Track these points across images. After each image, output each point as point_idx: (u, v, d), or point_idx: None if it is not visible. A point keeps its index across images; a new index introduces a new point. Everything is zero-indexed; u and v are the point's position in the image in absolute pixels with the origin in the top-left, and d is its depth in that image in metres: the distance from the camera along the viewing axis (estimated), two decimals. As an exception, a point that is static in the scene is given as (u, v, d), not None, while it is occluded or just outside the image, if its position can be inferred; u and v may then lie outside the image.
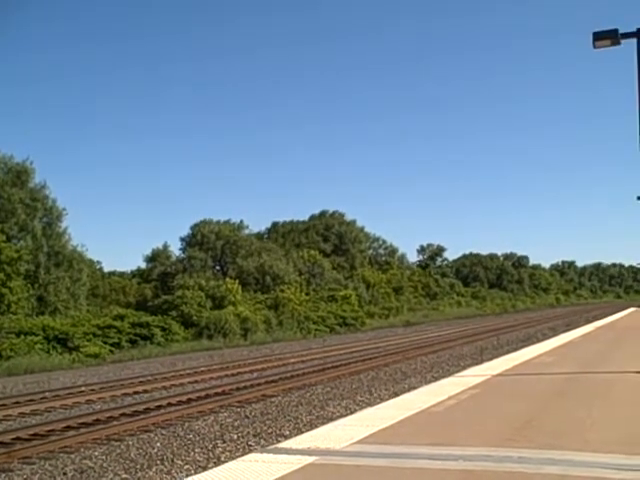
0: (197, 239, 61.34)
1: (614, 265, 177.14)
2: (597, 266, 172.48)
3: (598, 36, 14.37)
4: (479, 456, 6.64)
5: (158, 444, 12.53)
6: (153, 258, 60.77)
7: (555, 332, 37.55)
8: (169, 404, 17.19)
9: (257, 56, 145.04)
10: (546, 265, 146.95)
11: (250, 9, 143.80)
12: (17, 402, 18.49)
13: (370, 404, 14.68)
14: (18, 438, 13.32)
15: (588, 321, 47.40)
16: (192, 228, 62.68)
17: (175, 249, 62.87)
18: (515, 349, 25.42)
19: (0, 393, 21.58)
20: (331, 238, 78.18)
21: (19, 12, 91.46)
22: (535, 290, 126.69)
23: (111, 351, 34.32)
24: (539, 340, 30.60)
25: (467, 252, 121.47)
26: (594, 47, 14.58)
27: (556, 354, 19.52)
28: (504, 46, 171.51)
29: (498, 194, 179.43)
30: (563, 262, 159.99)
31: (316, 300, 57.92)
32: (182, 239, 62.80)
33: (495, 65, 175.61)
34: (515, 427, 8.26)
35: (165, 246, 61.58)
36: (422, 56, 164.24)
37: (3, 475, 10.67)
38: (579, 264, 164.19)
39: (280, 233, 76.66)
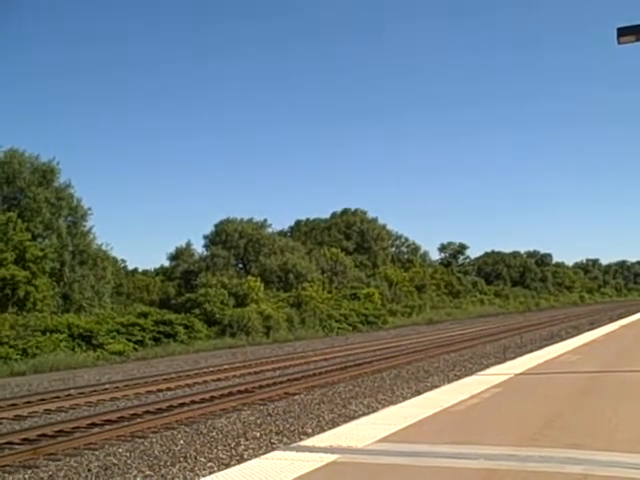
0: (221, 237, 61.56)
1: (639, 263, 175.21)
2: (622, 264, 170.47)
3: (622, 32, 14.18)
4: (502, 455, 6.61)
5: (181, 441, 12.63)
6: (176, 256, 61.08)
7: (579, 330, 37.26)
8: (192, 402, 17.30)
9: (279, 52, 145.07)
10: (570, 263, 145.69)
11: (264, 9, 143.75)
12: (43, 399, 18.70)
13: (392, 402, 14.68)
14: (43, 435, 13.50)
15: (612, 319, 46.95)
16: (216, 226, 62.98)
17: (198, 247, 63.24)
18: (538, 347, 25.25)
19: (26, 390, 21.84)
20: (353, 236, 78.13)
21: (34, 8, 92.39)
22: (559, 288, 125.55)
23: (135, 349, 34.54)
24: (563, 338, 30.38)
25: (489, 250, 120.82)
26: (618, 43, 14.37)
27: (580, 352, 19.36)
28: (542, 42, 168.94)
29: (521, 192, 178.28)
30: (587, 260, 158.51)
31: (338, 298, 57.93)
32: (205, 237, 63.13)
33: (527, 61, 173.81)
34: (538, 426, 8.21)
35: (188, 244, 61.95)
36: (446, 52, 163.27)
37: (29, 471, 10.81)
38: (603, 262, 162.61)
39: (303, 231, 76.76)
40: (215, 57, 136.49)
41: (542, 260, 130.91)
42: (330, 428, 10.43)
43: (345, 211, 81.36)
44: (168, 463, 10.97)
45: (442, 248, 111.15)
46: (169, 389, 20.70)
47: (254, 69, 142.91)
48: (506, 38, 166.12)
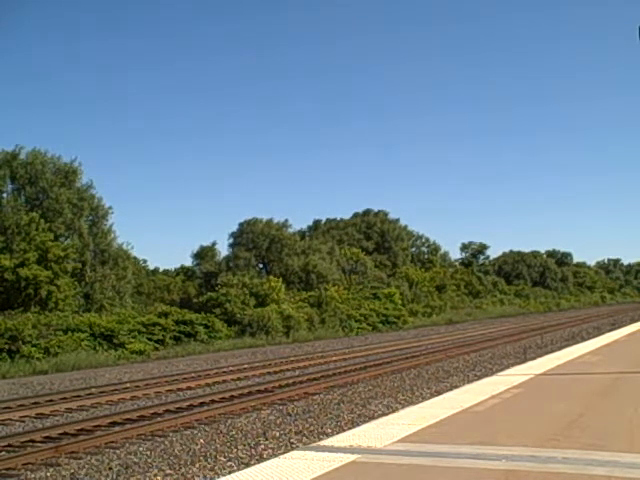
0: (243, 237, 61.62)
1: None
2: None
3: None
4: (522, 456, 6.58)
5: (201, 440, 12.67)
6: (200, 256, 61.23)
7: (600, 331, 36.98)
8: (212, 401, 17.34)
9: (298, 51, 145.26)
10: (591, 263, 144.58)
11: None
12: (64, 398, 18.83)
13: (412, 402, 14.64)
14: (65, 433, 13.58)
15: (634, 320, 46.58)
16: (240, 225, 63.04)
17: (221, 247, 63.30)
18: (559, 348, 25.10)
19: (48, 389, 22.02)
20: (373, 236, 78.08)
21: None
22: (580, 288, 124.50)
23: (155, 348, 34.71)
24: (584, 339, 30.18)
25: (509, 250, 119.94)
26: (641, 41, 14.27)
27: (601, 353, 19.22)
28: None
29: (541, 192, 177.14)
30: (608, 260, 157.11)
31: (359, 298, 57.85)
32: (231, 235, 63.13)
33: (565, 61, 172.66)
34: (559, 427, 8.16)
35: (213, 244, 62.13)
36: (474, 52, 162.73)
37: (51, 469, 10.89)
38: (625, 262, 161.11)
39: (321, 231, 76.74)
40: (238, 55, 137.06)
41: (562, 260, 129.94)
42: (349, 428, 10.43)
43: (367, 212, 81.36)
44: (188, 462, 11.00)
45: (462, 248, 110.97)
46: (189, 388, 20.78)
47: (274, 67, 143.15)
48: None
